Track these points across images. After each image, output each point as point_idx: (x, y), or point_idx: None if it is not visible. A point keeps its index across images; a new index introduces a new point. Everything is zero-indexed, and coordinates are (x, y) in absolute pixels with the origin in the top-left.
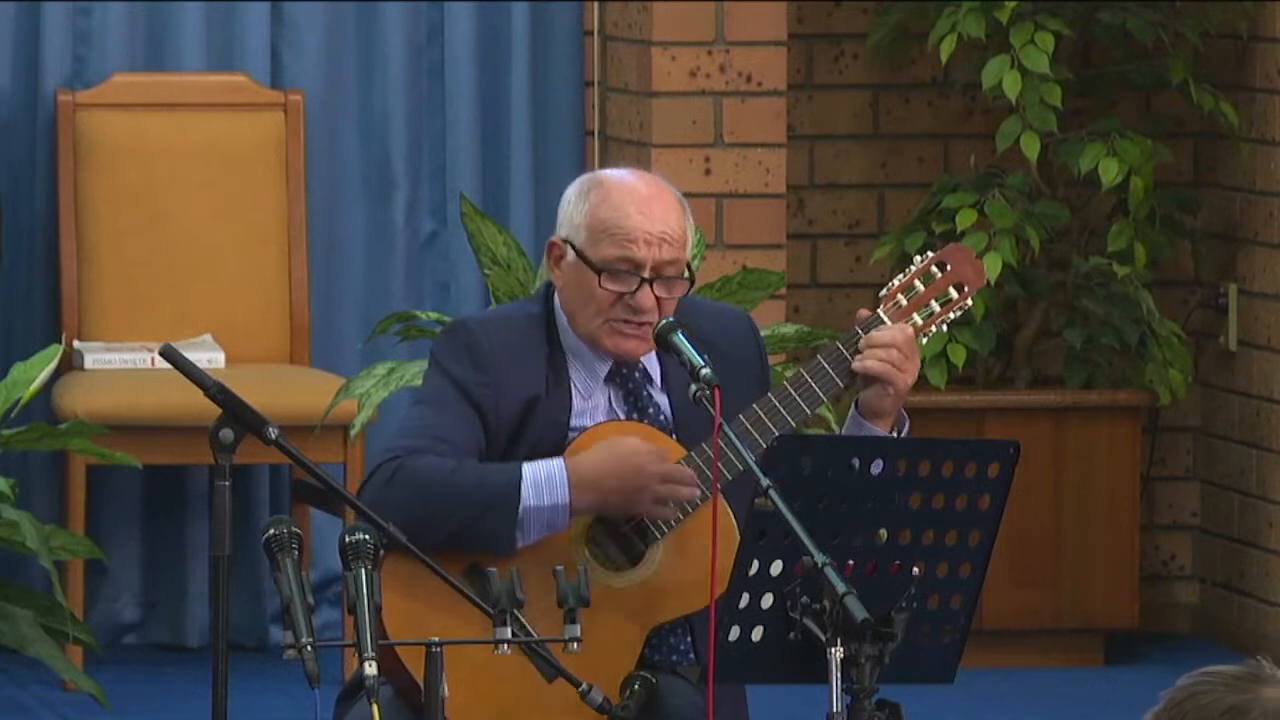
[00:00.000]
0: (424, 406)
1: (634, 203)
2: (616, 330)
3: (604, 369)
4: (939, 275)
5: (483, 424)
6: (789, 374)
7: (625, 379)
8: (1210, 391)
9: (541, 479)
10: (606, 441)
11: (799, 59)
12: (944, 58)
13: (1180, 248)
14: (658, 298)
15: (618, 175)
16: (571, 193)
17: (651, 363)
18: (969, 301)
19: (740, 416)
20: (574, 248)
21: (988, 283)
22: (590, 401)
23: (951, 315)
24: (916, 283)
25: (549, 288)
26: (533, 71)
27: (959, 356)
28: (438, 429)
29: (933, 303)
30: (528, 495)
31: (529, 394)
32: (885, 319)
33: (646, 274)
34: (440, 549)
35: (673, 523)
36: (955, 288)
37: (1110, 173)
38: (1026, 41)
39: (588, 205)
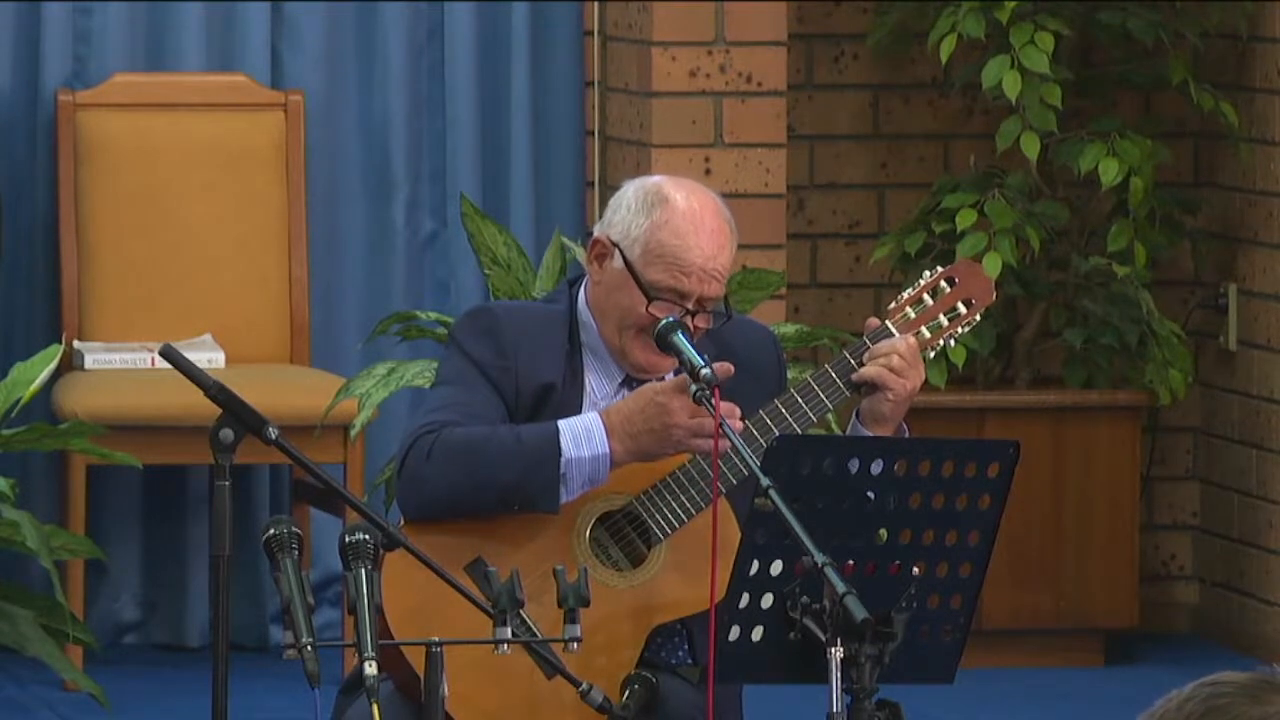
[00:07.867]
0: (448, 386)
1: (695, 233)
2: (648, 346)
3: (621, 372)
4: (948, 290)
5: (503, 404)
6: (793, 378)
7: (642, 383)
8: (1210, 391)
9: (580, 431)
10: (633, 392)
11: (799, 59)
12: (944, 58)
13: (1180, 248)
14: (696, 327)
15: (684, 196)
16: (632, 198)
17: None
18: (977, 317)
19: (746, 422)
20: (624, 256)
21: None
22: (603, 401)
23: (959, 330)
24: (925, 297)
25: (570, 286)
26: (533, 71)
27: (959, 356)
28: (465, 405)
29: (941, 317)
30: (568, 447)
31: (545, 380)
32: (893, 330)
33: (691, 305)
34: (486, 514)
35: (680, 520)
36: (964, 303)
37: (1110, 173)
38: (1026, 41)
39: (649, 222)
